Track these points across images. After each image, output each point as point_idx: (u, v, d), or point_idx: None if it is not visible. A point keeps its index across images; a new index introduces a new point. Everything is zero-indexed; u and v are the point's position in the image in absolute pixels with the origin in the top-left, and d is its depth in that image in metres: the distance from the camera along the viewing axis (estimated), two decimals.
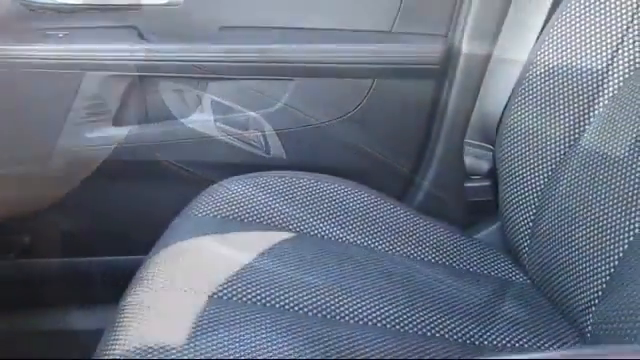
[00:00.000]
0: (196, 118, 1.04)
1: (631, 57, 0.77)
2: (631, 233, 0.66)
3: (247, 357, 0.60)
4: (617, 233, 0.68)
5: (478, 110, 0.96)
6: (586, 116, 0.80)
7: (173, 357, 0.59)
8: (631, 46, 0.77)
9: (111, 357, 0.61)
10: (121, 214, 1.07)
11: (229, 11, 1.03)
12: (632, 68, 0.77)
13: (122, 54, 1.00)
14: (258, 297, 0.70)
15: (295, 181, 0.93)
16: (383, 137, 1.04)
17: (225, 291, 0.71)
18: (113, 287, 0.82)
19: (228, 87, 1.05)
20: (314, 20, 1.03)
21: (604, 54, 0.79)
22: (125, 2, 1.02)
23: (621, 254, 0.67)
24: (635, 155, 0.69)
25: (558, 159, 0.81)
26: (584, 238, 0.73)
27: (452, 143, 1.00)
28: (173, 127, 1.04)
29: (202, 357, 0.60)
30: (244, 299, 0.70)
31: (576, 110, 0.80)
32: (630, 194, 0.68)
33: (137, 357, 0.59)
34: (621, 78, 0.77)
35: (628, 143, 0.71)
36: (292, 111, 1.03)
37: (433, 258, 0.86)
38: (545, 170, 0.83)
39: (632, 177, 0.69)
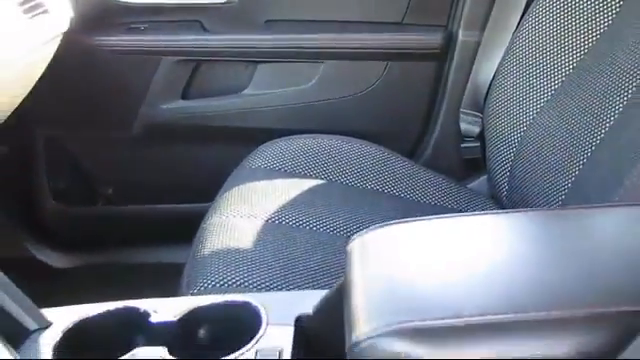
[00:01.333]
0: (247, 92, 1.30)
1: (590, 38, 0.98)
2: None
3: (290, 265, 0.86)
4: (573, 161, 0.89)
5: (471, 85, 1.20)
6: (554, 85, 1.02)
7: (240, 262, 0.86)
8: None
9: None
10: (190, 169, 1.33)
11: (272, 8, 1.29)
12: (589, 47, 0.98)
13: (189, 43, 1.27)
14: (297, 222, 0.97)
15: (325, 142, 1.18)
16: (395, 107, 1.30)
17: (274, 218, 0.97)
18: (186, 228, 1.05)
19: (271, 68, 1.31)
20: (340, 14, 1.28)
21: (572, 39, 1.01)
22: (191, 2, 1.29)
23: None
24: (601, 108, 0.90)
25: (530, 121, 1.05)
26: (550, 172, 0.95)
27: (450, 112, 1.24)
28: (229, 100, 1.31)
29: (259, 260, 0.86)
30: (289, 223, 0.96)
31: (546, 82, 1.03)
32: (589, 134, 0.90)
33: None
34: (585, 51, 0.98)
35: (598, 94, 0.91)
36: (322, 87, 1.29)
37: (431, 201, 1.11)
38: (519, 130, 1.06)
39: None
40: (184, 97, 1.30)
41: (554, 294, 0.43)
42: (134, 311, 0.63)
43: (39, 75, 1.12)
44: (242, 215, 0.97)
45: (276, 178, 1.09)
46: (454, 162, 1.25)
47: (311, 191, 1.07)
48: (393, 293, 0.47)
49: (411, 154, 1.29)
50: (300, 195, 1.04)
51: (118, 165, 1.37)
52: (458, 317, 0.43)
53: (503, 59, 1.10)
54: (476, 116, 1.20)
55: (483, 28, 1.18)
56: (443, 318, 0.43)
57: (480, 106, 1.18)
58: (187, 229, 1.04)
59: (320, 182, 1.10)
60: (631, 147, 0.82)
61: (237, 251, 0.87)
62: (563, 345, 0.41)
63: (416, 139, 1.31)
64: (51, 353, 0.59)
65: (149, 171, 1.35)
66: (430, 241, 0.53)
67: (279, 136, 1.19)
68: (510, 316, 0.42)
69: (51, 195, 1.37)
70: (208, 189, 1.14)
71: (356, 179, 1.12)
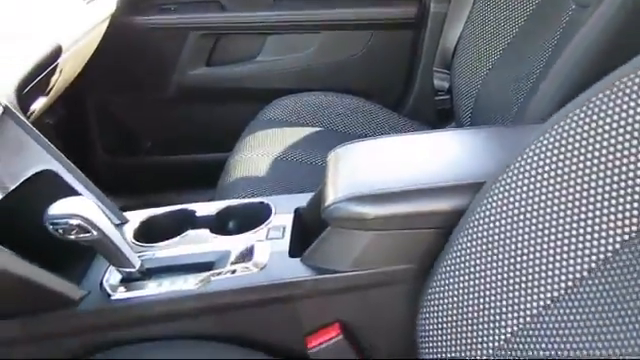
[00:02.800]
0: (259, 59, 1.58)
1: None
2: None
3: (292, 186, 1.13)
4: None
5: (441, 48, 1.45)
6: (502, 46, 1.27)
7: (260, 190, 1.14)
8: None
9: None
10: (214, 123, 1.61)
11: None
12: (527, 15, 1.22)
13: (211, 19, 1.54)
14: (300, 158, 1.25)
15: (323, 98, 1.45)
16: (381, 69, 1.56)
17: (282, 156, 1.25)
18: (212, 173, 1.31)
19: (278, 39, 1.58)
20: None
21: (512, 11, 1.26)
22: None
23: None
24: None
25: (484, 76, 1.31)
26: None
27: (425, 71, 1.51)
28: (244, 66, 1.58)
29: (271, 182, 1.14)
30: (294, 159, 1.25)
31: (495, 44, 1.28)
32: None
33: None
34: (525, 18, 1.22)
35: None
36: (320, 54, 1.56)
37: None
38: (477, 84, 1.32)
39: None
40: (208, 64, 1.58)
41: (441, 174, 0.71)
42: (185, 210, 0.92)
43: (92, 51, 1.40)
44: (257, 154, 1.25)
45: (283, 127, 1.37)
46: (430, 113, 1.51)
47: (311, 136, 1.35)
48: (353, 177, 0.76)
49: (395, 107, 1.55)
50: (302, 139, 1.32)
51: (155, 122, 1.65)
52: (389, 188, 0.72)
53: (464, 27, 1.36)
54: (446, 74, 1.46)
55: (449, 1, 1.44)
56: (380, 189, 0.72)
57: (448, 65, 1.44)
58: (213, 173, 1.29)
59: (318, 129, 1.37)
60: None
61: (254, 178, 1.16)
62: (443, 204, 0.69)
63: (399, 94, 1.58)
64: (132, 238, 0.88)
65: (181, 126, 1.64)
66: (383, 151, 0.81)
67: (285, 94, 1.46)
68: (416, 186, 0.71)
69: (101, 148, 1.66)
70: (230, 140, 1.41)
71: (348, 127, 1.39)
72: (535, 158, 0.58)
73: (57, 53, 1.13)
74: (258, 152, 1.26)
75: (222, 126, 1.56)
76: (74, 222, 0.72)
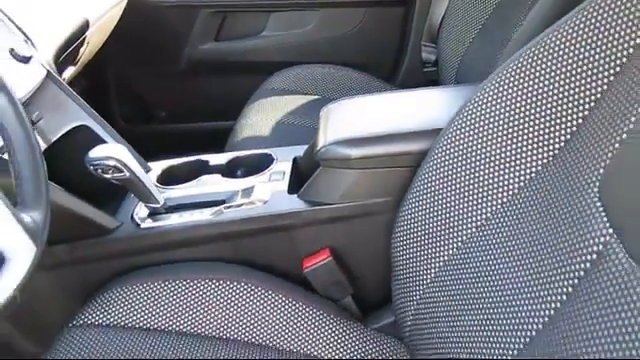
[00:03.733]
0: (264, 34, 1.73)
1: None
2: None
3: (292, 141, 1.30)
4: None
5: (428, 24, 1.60)
6: (480, 23, 1.42)
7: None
8: None
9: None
10: (223, 94, 1.76)
11: None
12: None
13: None
14: (300, 122, 1.40)
15: (321, 70, 1.60)
16: (374, 43, 1.71)
17: (284, 120, 1.40)
18: (221, 140, 1.44)
19: (281, 16, 1.73)
20: None
21: None
22: None
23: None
24: None
25: (465, 49, 1.45)
26: None
27: (415, 45, 1.65)
28: (250, 41, 1.73)
29: (272, 140, 1.29)
30: (294, 123, 1.40)
31: (475, 20, 1.42)
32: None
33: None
34: None
35: None
36: (319, 29, 1.71)
37: None
38: (459, 57, 1.47)
39: None
40: (216, 40, 1.73)
41: (410, 123, 0.87)
42: (199, 160, 1.08)
43: (113, 26, 1.55)
44: (261, 119, 1.41)
45: (285, 95, 1.52)
46: (419, 83, 1.65)
47: (309, 104, 1.49)
48: (340, 126, 0.91)
49: (387, 79, 1.70)
50: (301, 106, 1.47)
51: (168, 93, 1.80)
52: (369, 134, 0.87)
53: (449, 3, 1.50)
54: (432, 47, 1.61)
55: None
56: (362, 134, 0.87)
57: (435, 39, 1.59)
58: (222, 140, 1.42)
59: (316, 97, 1.52)
60: None
61: (258, 137, 1.32)
62: (412, 146, 0.85)
63: (391, 67, 1.73)
64: (155, 182, 1.04)
65: (192, 97, 1.79)
66: (365, 106, 0.97)
67: (287, 67, 1.61)
68: (390, 132, 0.86)
69: (120, 117, 1.82)
70: (236, 109, 1.55)
71: (343, 96, 1.54)
72: (476, 106, 0.73)
73: (85, 27, 1.29)
74: (262, 117, 1.41)
75: (229, 96, 1.70)
76: (110, 163, 0.88)
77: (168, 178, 1.05)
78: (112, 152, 0.89)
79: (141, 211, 0.96)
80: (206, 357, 0.84)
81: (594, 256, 0.55)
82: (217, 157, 1.08)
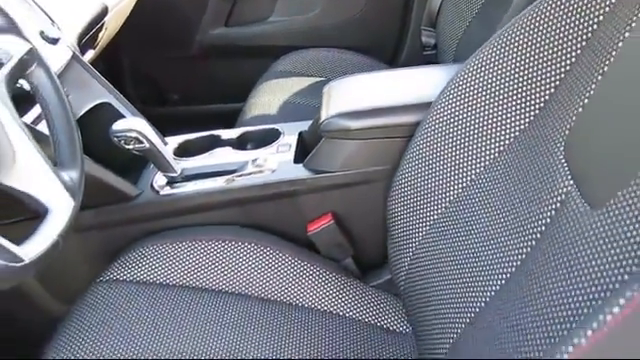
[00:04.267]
0: (271, 20, 1.81)
1: None
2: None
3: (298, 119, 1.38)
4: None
5: (427, 9, 1.67)
6: (477, 7, 1.50)
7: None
8: None
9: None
10: (232, 77, 1.84)
11: None
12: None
13: None
14: (305, 102, 1.48)
15: (326, 53, 1.68)
16: (377, 27, 1.79)
17: (289, 100, 1.49)
18: (231, 122, 1.56)
19: (287, 1, 1.81)
20: None
21: None
22: None
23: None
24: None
25: (461, 34, 1.53)
26: None
27: (415, 30, 1.73)
28: (258, 26, 1.82)
29: (278, 117, 1.38)
30: (300, 103, 1.48)
31: (471, 5, 1.50)
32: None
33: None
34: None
35: None
36: (324, 14, 1.79)
37: None
38: (456, 41, 1.54)
39: None
40: (226, 25, 1.81)
41: (405, 97, 0.95)
42: (212, 135, 1.17)
43: (129, 11, 1.63)
44: (269, 99, 1.49)
45: (291, 77, 1.60)
46: (419, 63, 1.74)
47: (314, 85, 1.57)
48: (341, 101, 0.99)
49: (389, 62, 1.78)
50: (306, 87, 1.55)
51: (181, 77, 1.89)
52: (367, 107, 0.96)
53: None
54: (432, 31, 1.68)
55: None
56: (360, 107, 0.96)
57: (434, 24, 1.66)
58: (231, 121, 1.50)
59: (321, 79, 1.60)
60: None
61: (266, 116, 1.40)
62: (405, 118, 0.93)
63: (392, 50, 1.81)
64: (173, 155, 1.12)
65: (202, 80, 1.87)
66: (364, 82, 1.05)
67: (293, 51, 1.69)
68: (387, 105, 0.95)
69: (135, 100, 1.90)
70: (245, 91, 1.64)
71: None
72: (460, 81, 0.82)
73: (104, 12, 1.37)
74: (270, 97, 1.50)
75: (238, 79, 1.77)
76: (132, 135, 0.97)
77: (183, 151, 1.14)
78: (133, 124, 0.98)
79: (160, 180, 1.06)
80: (220, 310, 0.93)
81: (558, 205, 0.64)
82: (228, 132, 1.16)
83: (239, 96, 1.68)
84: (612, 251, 0.52)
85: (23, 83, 0.79)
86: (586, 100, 0.65)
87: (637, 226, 0.51)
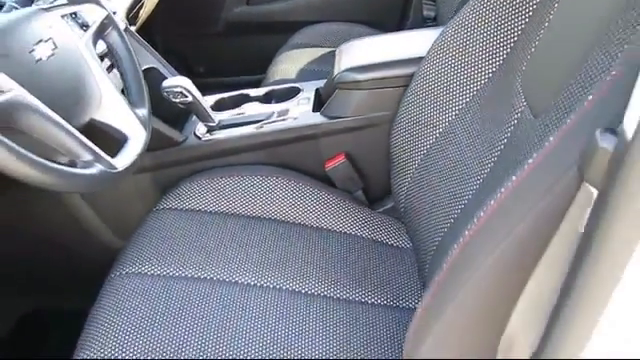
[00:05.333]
0: None
1: None
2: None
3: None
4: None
5: None
6: None
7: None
8: None
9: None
10: (254, 50, 2.05)
11: None
12: None
13: None
14: (318, 68, 1.69)
15: (338, 27, 1.88)
16: (383, 2, 1.99)
17: (306, 67, 1.70)
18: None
19: None
20: None
21: None
22: None
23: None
24: None
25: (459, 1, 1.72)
26: None
27: (417, 3, 1.93)
28: (276, 4, 2.02)
29: (297, 78, 1.59)
30: (315, 70, 1.69)
31: None
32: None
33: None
34: None
35: None
36: None
37: None
38: (453, 8, 1.74)
39: None
40: (248, 3, 2.02)
41: (404, 52, 1.16)
42: (242, 93, 1.38)
43: None
44: (288, 67, 1.70)
45: (306, 48, 1.81)
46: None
47: (327, 54, 1.78)
48: (351, 58, 1.20)
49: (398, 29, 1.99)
50: (321, 56, 1.75)
51: (208, 51, 2.10)
52: (372, 61, 1.16)
53: None
54: (432, 5, 1.88)
55: None
56: (367, 62, 1.16)
57: None
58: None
59: (333, 49, 1.80)
60: None
61: (286, 79, 1.61)
62: (404, 70, 1.13)
63: (397, 22, 2.01)
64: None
65: (228, 54, 2.09)
66: (370, 43, 1.26)
67: (308, 25, 1.90)
68: (389, 59, 1.15)
69: None
70: (266, 64, 1.85)
71: None
72: (442, 39, 1.02)
73: None
74: (289, 65, 1.71)
75: (259, 53, 1.99)
76: (178, 90, 1.19)
77: (218, 107, 1.35)
78: (180, 81, 1.19)
79: (201, 128, 1.27)
80: (255, 232, 1.15)
81: (515, 121, 0.84)
82: (256, 90, 1.38)
83: (260, 69, 1.89)
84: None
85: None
86: (537, 43, 0.85)
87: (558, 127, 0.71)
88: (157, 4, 1.83)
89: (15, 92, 0.73)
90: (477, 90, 0.99)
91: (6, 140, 0.67)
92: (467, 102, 1.00)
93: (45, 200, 1.33)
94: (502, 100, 0.90)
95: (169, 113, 1.27)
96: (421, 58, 1.09)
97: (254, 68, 2.01)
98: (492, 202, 0.61)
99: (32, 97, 0.74)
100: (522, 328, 0.64)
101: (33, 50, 0.79)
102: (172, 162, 1.26)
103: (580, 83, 0.70)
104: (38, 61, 0.79)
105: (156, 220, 1.16)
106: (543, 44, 0.84)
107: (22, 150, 0.69)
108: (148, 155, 1.24)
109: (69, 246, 1.39)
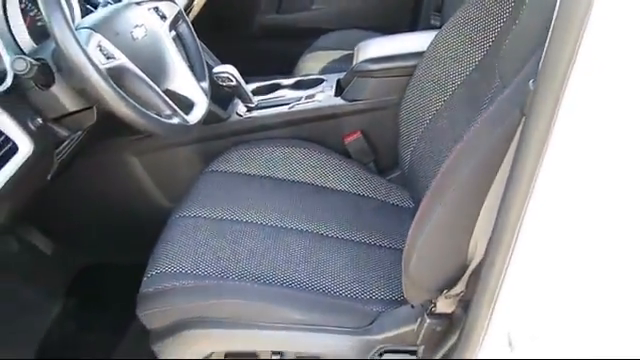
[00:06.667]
0: (313, 7, 2.30)
1: None
2: None
3: None
4: None
5: None
6: None
7: None
8: None
9: None
10: (282, 52, 2.31)
11: None
12: None
13: None
14: (341, 68, 1.96)
15: (356, 34, 2.15)
16: (396, 13, 2.27)
17: (329, 65, 1.97)
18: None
19: None
20: None
21: None
22: None
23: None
24: None
25: None
26: None
27: (426, 14, 2.20)
28: (302, 13, 2.31)
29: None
30: (338, 67, 1.96)
31: None
32: None
33: None
34: None
35: None
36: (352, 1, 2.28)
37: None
38: None
39: None
40: (277, 12, 2.31)
41: (412, 46, 1.43)
42: (274, 82, 1.65)
43: None
44: (313, 65, 1.97)
45: (328, 50, 2.08)
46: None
47: (346, 55, 2.05)
48: (367, 52, 1.47)
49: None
50: (340, 57, 2.03)
51: (244, 52, 2.38)
52: (384, 54, 1.44)
53: None
54: (439, 15, 2.15)
55: None
56: (379, 55, 1.44)
57: (440, 9, 2.13)
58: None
59: (351, 52, 2.08)
60: None
61: (312, 73, 1.89)
62: (410, 62, 1.40)
63: (408, 31, 2.28)
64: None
65: (257, 55, 2.36)
66: (384, 41, 1.53)
67: (330, 32, 2.18)
68: (397, 53, 1.43)
69: None
70: (291, 65, 2.13)
71: None
72: (440, 34, 1.29)
73: None
74: (314, 64, 1.99)
75: (285, 56, 2.26)
76: (225, 75, 1.46)
77: (256, 92, 1.63)
78: (227, 68, 1.47)
79: (242, 108, 1.55)
80: (285, 191, 1.41)
81: (491, 95, 1.11)
82: (287, 80, 1.65)
83: (285, 70, 2.16)
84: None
85: None
86: (509, 36, 1.12)
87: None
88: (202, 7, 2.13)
89: (123, 60, 1.00)
90: (466, 75, 1.25)
91: (121, 92, 0.95)
92: (458, 85, 1.26)
93: (110, 167, 1.60)
94: (484, 81, 1.16)
95: (217, 95, 1.54)
96: (422, 52, 1.36)
97: (280, 70, 2.28)
98: (465, 136, 0.88)
99: (132, 64, 1.02)
100: (482, 234, 0.89)
101: (132, 32, 1.07)
102: (217, 135, 1.53)
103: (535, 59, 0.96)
104: (135, 40, 1.07)
105: (206, 179, 1.43)
106: (513, 37, 1.11)
107: (130, 100, 0.96)
108: (198, 129, 1.52)
109: (127, 207, 1.66)
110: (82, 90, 1.02)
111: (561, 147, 0.73)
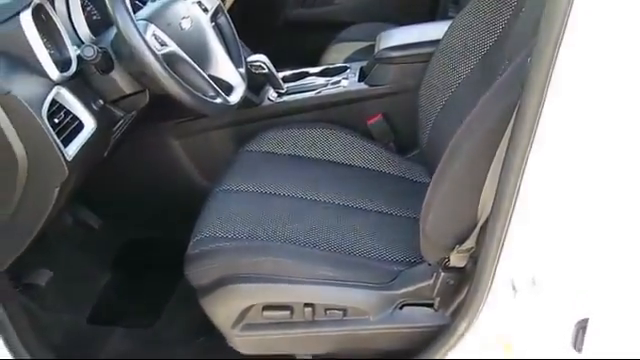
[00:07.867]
0: (336, 2, 2.44)
1: None
2: None
3: None
4: None
5: None
6: None
7: None
8: None
9: None
10: (310, 45, 2.45)
11: None
12: None
13: None
14: (363, 58, 2.10)
15: (378, 26, 2.29)
16: (415, 6, 2.39)
17: (352, 55, 2.11)
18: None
19: None
20: None
21: None
22: None
23: None
24: None
25: None
26: None
27: (444, 6, 2.32)
28: (325, 7, 2.44)
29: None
30: (361, 58, 2.10)
31: None
32: None
33: None
34: None
35: None
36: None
37: None
38: None
39: None
40: (302, 6, 2.45)
41: (430, 35, 1.56)
42: (302, 71, 1.79)
43: None
44: (336, 56, 2.11)
45: (351, 42, 2.22)
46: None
47: (368, 47, 2.18)
48: (388, 41, 1.61)
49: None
50: (362, 48, 2.16)
51: (272, 45, 2.52)
52: (402, 43, 1.57)
53: None
54: (456, 7, 2.27)
55: None
56: (398, 43, 1.57)
57: (457, 1, 2.25)
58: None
59: (371, 43, 2.21)
60: None
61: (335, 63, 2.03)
62: (428, 49, 1.53)
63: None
64: None
65: (284, 47, 2.50)
66: (403, 31, 1.66)
67: (351, 25, 2.31)
68: (416, 41, 1.56)
69: None
70: (319, 55, 2.26)
71: None
72: (454, 24, 1.41)
73: None
74: (337, 55, 2.13)
75: (310, 47, 2.40)
76: (258, 64, 1.61)
77: (286, 79, 1.77)
78: (260, 57, 1.62)
79: (273, 94, 1.69)
80: (313, 168, 1.54)
81: (500, 74, 1.23)
82: (314, 68, 1.79)
83: (311, 60, 2.30)
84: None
85: None
86: (516, 21, 1.24)
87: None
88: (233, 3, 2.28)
89: (174, 47, 1.15)
90: (479, 60, 1.38)
91: (173, 73, 1.10)
92: (472, 68, 1.39)
93: (153, 149, 1.76)
94: (494, 64, 1.29)
95: (250, 82, 1.69)
96: (439, 40, 1.49)
97: (305, 61, 2.42)
98: (473, 109, 1.01)
99: (181, 51, 1.17)
100: (489, 193, 1.02)
101: (180, 23, 1.22)
102: (250, 119, 1.68)
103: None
104: (183, 30, 1.22)
105: (242, 158, 1.57)
106: (520, 23, 1.24)
107: (181, 80, 1.11)
108: (233, 113, 1.66)
109: (168, 186, 1.81)
110: (138, 74, 1.17)
111: (553, 114, 0.86)
